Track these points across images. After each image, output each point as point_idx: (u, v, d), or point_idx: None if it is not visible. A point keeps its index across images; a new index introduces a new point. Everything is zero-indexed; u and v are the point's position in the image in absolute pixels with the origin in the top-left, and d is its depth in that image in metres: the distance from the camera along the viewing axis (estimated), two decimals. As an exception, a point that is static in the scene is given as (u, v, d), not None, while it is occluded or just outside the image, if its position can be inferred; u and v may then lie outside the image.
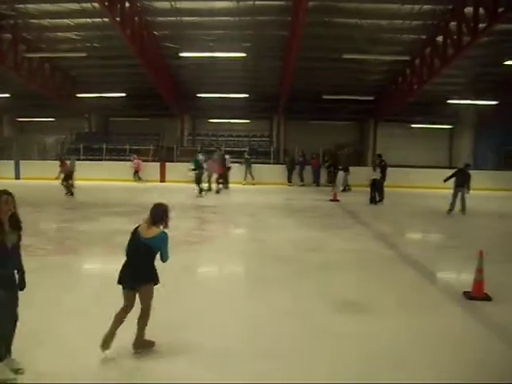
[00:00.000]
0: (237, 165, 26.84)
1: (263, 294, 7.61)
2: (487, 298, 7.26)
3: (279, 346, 5.66)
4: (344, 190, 24.36)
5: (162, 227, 5.29)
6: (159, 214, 5.30)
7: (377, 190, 19.97)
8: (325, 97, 29.53)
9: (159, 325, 5.61)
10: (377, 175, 19.97)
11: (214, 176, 23.25)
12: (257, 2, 19.55)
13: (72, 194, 20.18)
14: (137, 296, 5.21)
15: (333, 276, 8.75)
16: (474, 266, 7.51)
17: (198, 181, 20.87)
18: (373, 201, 19.80)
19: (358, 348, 5.61)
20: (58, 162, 21.48)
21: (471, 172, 17.28)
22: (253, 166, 27.19)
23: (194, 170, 20.81)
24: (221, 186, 23.21)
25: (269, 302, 7.19)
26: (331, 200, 20.40)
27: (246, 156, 27.58)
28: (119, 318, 5.16)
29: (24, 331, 4.83)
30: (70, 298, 7.07)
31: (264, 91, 30.88)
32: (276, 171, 27.54)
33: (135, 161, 27.17)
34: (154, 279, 5.27)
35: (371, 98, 30.60)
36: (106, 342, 5.08)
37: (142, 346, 5.30)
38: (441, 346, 5.70)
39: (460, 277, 9.37)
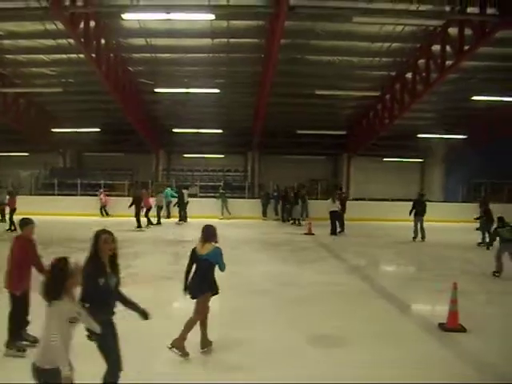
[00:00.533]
0: (214, 200, 26.94)
1: (238, 327, 7.65)
2: (462, 330, 7.39)
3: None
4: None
5: (213, 243, 6.46)
6: (210, 232, 6.40)
7: (338, 220, 20.80)
8: (299, 132, 30.00)
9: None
10: (335, 207, 20.79)
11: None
12: (231, 40, 19.87)
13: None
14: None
15: (308, 309, 8.83)
16: (446, 297, 7.67)
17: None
18: (334, 232, 20.50)
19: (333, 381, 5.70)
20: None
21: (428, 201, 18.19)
22: (228, 200, 27.21)
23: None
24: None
25: (244, 335, 7.24)
26: (306, 233, 20.52)
27: (221, 191, 27.61)
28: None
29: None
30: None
31: (238, 126, 31.23)
32: (251, 206, 27.62)
33: (102, 196, 27.00)
34: (213, 289, 6.50)
35: (344, 133, 31.14)
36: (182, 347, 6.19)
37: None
38: (418, 378, 5.80)
39: (434, 308, 9.52)
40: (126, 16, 15.93)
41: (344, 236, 20.18)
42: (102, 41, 19.28)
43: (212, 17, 16.03)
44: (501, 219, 13.17)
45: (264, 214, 27.33)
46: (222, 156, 34.83)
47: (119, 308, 5.11)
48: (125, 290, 9.94)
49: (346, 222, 21.61)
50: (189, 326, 6.38)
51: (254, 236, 20.16)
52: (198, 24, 18.50)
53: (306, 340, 7.12)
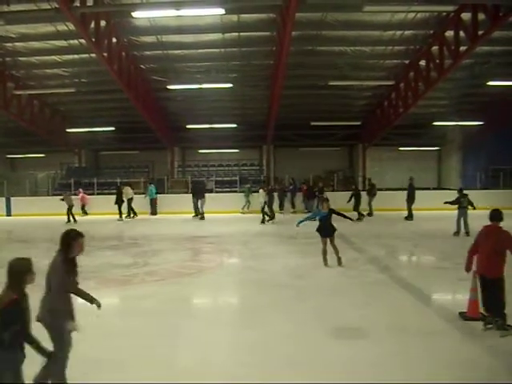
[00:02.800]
0: (229, 194, 26.94)
1: (259, 321, 7.63)
2: (483, 319, 7.26)
3: (276, 370, 5.73)
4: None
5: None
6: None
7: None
8: (313, 123, 29.85)
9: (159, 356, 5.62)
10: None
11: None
12: (242, 34, 19.81)
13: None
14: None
15: (327, 301, 8.79)
16: (467, 286, 7.57)
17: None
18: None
19: (352, 374, 5.65)
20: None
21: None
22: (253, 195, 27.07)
23: None
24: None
25: (265, 329, 7.22)
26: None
27: (247, 185, 27.64)
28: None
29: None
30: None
31: (252, 120, 31.21)
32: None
33: (81, 195, 26.74)
34: None
35: (358, 123, 30.96)
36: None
37: None
38: (441, 368, 5.73)
39: (455, 297, 9.43)
40: (136, 14, 15.89)
41: (362, 226, 20.03)
42: (114, 40, 19.30)
43: (222, 11, 15.92)
44: (461, 190, 17.33)
45: (281, 207, 27.23)
46: (237, 150, 34.87)
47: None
48: (144, 288, 10.14)
49: (363, 213, 21.63)
50: None
51: (271, 230, 20.12)
52: (209, 19, 18.45)
53: (327, 332, 7.09)
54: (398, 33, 19.84)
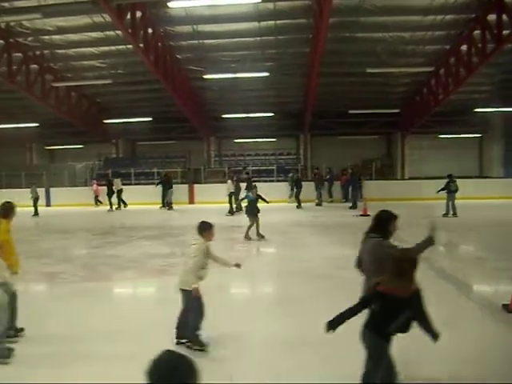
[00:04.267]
0: (266, 184, 26.75)
1: (299, 312, 7.49)
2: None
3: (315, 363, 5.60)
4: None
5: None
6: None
7: None
8: (350, 111, 29.41)
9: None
10: None
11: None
12: (278, 22, 19.58)
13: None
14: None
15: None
16: (509, 278, 7.28)
17: None
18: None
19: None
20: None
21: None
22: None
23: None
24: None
25: (306, 320, 7.07)
26: (361, 215, 20.16)
27: (290, 174, 27.63)
28: None
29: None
30: (104, 323, 7.07)
31: (289, 109, 30.99)
32: (304, 188, 27.29)
33: (94, 186, 27.45)
34: None
35: (397, 111, 30.39)
36: None
37: None
38: (485, 363, 5.52)
39: (498, 289, 9.11)
40: (171, 4, 15.80)
41: (402, 217, 19.66)
42: (150, 30, 19.30)
43: (258, 0, 15.75)
44: (450, 176, 19.81)
45: (318, 196, 27.08)
46: (274, 139, 34.58)
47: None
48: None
49: (403, 203, 21.25)
50: None
51: (309, 219, 19.96)
52: (244, 8, 18.26)
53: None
54: (439, 17, 19.29)
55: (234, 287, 9.93)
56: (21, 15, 16.27)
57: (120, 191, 26.33)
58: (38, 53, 22.49)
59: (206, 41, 21.38)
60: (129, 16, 16.99)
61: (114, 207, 25.95)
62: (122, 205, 26.48)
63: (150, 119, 30.83)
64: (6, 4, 16.84)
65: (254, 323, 7.07)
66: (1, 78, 21.62)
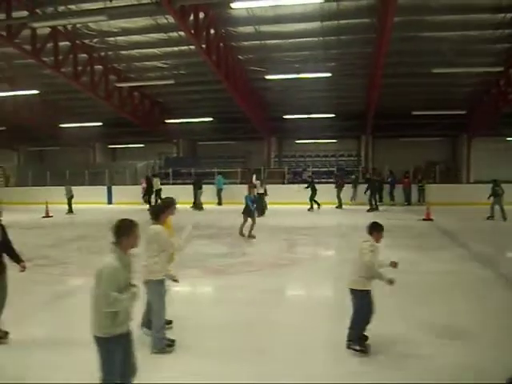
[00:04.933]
0: (326, 186, 26.44)
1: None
2: None
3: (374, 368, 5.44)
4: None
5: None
6: None
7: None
8: (414, 113, 28.69)
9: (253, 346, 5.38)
10: None
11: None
12: (341, 22, 19.21)
13: None
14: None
15: (428, 299, 8.28)
16: None
17: None
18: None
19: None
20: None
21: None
22: (358, 186, 26.85)
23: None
24: None
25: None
26: (424, 219, 19.64)
27: (353, 177, 27.52)
28: None
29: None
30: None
31: (351, 110, 30.49)
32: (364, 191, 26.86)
33: (143, 184, 27.49)
34: None
35: (463, 112, 29.40)
36: None
37: None
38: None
39: None
40: (234, 5, 15.68)
41: (467, 222, 19.07)
42: (212, 31, 19.29)
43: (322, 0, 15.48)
44: (495, 181, 20.10)
45: (379, 199, 26.63)
46: (335, 141, 34.16)
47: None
48: (240, 277, 10.04)
49: (466, 207, 20.63)
50: None
51: (368, 222, 19.52)
52: (307, 8, 17.95)
53: (431, 332, 6.63)
54: (509, 15, 18.50)
55: (292, 289, 9.90)
56: (87, 17, 16.47)
57: (159, 190, 26.46)
58: (102, 54, 22.89)
59: (268, 41, 21.19)
60: (191, 17, 17.02)
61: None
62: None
63: (211, 119, 30.92)
64: (73, 6, 17.24)
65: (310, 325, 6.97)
66: (67, 78, 22.14)
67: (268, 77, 23.39)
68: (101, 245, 14.18)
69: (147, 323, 6.33)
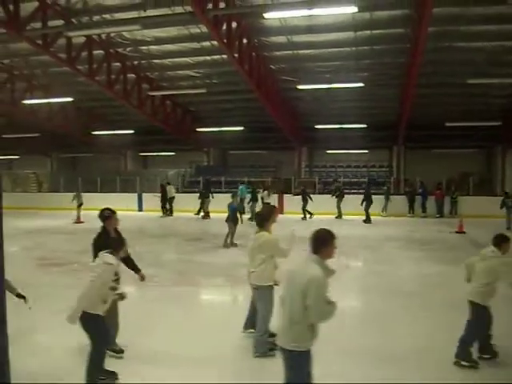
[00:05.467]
0: (356, 196, 26.22)
1: (382, 330, 7.18)
2: None
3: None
4: None
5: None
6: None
7: None
8: (447, 124, 28.31)
9: None
10: None
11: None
12: (374, 31, 19.07)
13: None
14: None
15: (459, 315, 8.08)
16: None
17: None
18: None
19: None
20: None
21: None
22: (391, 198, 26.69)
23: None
24: None
25: (389, 338, 6.87)
26: (457, 232, 19.35)
27: (385, 188, 27.41)
28: None
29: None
30: (191, 326, 7.10)
31: (383, 120, 30.25)
32: (396, 202, 26.55)
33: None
34: None
35: (498, 123, 28.88)
36: None
37: None
38: None
39: None
40: (267, 15, 15.69)
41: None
42: (244, 40, 19.30)
43: (355, 9, 15.35)
44: (506, 193, 21.58)
45: (410, 210, 26.37)
46: (366, 151, 33.91)
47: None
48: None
49: (500, 220, 20.32)
50: None
51: (399, 233, 19.34)
52: (340, 17, 17.83)
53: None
54: (546, 26, 18.16)
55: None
56: (121, 27, 16.67)
57: (172, 198, 26.98)
58: (135, 62, 23.09)
59: (300, 51, 21.12)
60: (224, 26, 17.04)
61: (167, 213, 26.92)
62: (169, 212, 27.25)
63: (242, 128, 30.97)
64: (107, 16, 17.42)
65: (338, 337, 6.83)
66: (100, 86, 22.38)
67: (300, 87, 23.35)
68: (132, 252, 14.37)
69: (250, 325, 6.67)
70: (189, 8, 15.23)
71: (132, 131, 32.09)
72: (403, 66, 21.58)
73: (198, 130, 32.15)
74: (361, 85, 22.63)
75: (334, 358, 6.14)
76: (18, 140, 34.78)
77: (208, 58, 21.77)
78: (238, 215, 16.43)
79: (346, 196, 25.88)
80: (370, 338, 6.92)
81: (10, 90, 24.68)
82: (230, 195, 17.07)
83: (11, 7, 15.64)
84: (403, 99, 24.64)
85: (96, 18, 17.70)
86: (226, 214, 16.04)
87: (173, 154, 36.41)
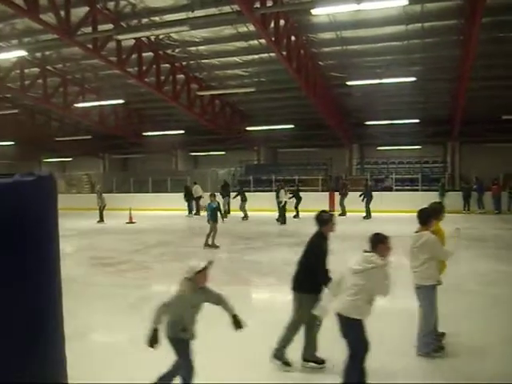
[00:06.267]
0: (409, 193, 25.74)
1: (445, 329, 6.88)
2: None
3: None
4: None
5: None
6: None
7: None
8: (504, 117, 27.42)
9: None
10: None
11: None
12: (425, 24, 18.57)
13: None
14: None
15: None
16: None
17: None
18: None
19: None
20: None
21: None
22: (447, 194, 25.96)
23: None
24: None
25: (454, 339, 6.60)
26: (515, 229, 18.77)
27: (440, 184, 26.77)
28: None
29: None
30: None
31: (436, 115, 29.60)
32: (451, 199, 25.85)
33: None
34: None
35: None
36: None
37: None
38: None
39: None
40: (315, 11, 15.46)
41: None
42: (292, 38, 19.11)
43: (405, 2, 14.97)
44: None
45: (466, 206, 25.70)
46: (419, 147, 33.16)
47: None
48: None
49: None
50: None
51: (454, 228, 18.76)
52: (390, 11, 17.42)
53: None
54: None
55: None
56: (169, 28, 16.72)
57: (199, 198, 26.98)
58: (184, 63, 23.20)
59: (349, 47, 20.77)
60: (272, 24, 16.89)
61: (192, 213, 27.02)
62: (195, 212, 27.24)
63: (292, 126, 30.81)
64: (156, 18, 17.50)
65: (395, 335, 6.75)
66: (150, 88, 22.58)
67: (349, 83, 23.02)
68: (183, 251, 14.90)
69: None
70: (236, 7, 15.18)
71: (182, 131, 32.31)
72: (456, 59, 20.96)
73: (247, 128, 32.13)
74: (412, 79, 22.14)
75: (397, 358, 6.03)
76: (71, 142, 35.63)
77: (256, 56, 21.69)
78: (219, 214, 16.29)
79: (396, 193, 25.41)
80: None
81: (62, 94, 25.16)
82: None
83: (62, 13, 15.89)
84: (457, 93, 23.97)
85: (144, 20, 17.81)
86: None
87: (223, 153, 36.56)
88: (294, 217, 24.39)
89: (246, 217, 24.56)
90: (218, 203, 16.25)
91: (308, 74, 21.77)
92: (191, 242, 17.01)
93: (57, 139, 35.08)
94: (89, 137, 34.74)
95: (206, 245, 15.35)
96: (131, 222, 23.24)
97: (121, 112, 30.86)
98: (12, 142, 36.59)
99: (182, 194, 28.04)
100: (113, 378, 5.44)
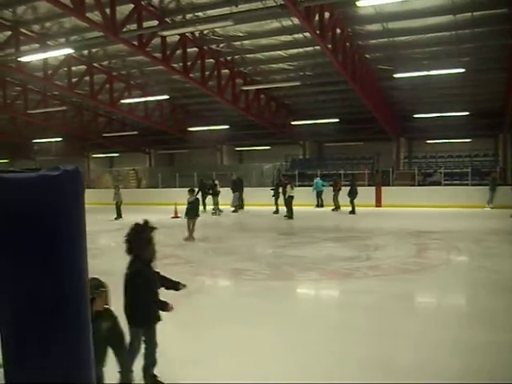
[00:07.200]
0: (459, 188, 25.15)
1: (492, 327, 6.73)
2: None
3: None
4: None
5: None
6: None
7: None
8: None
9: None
10: None
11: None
12: (475, 13, 18.03)
13: None
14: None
15: None
16: None
17: None
18: None
19: None
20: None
21: None
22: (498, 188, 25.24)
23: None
24: None
25: (500, 336, 6.32)
26: None
27: (491, 177, 26.00)
28: None
29: None
30: (290, 322, 6.98)
31: (487, 107, 28.83)
32: (503, 193, 25.10)
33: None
34: None
35: None
36: None
37: None
38: None
39: None
40: (360, 3, 15.18)
41: None
42: (338, 31, 18.83)
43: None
44: None
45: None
46: (468, 140, 32.25)
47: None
48: (366, 282, 9.70)
49: None
50: None
51: (505, 226, 18.27)
52: (438, 1, 17.07)
53: None
54: None
55: (422, 296, 9.41)
56: (213, 23, 16.74)
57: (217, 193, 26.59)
58: (229, 58, 23.21)
59: (396, 38, 20.35)
60: (317, 17, 16.67)
61: (217, 211, 25.98)
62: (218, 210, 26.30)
63: (337, 120, 30.46)
64: (200, 14, 17.52)
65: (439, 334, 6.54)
66: (195, 83, 22.66)
67: (396, 75, 22.60)
68: (227, 246, 14.94)
69: None
70: (280, 1, 15.05)
71: (227, 126, 32.41)
72: (508, 49, 20.36)
73: (292, 123, 31.98)
74: (462, 70, 21.56)
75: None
76: (117, 138, 36.21)
77: (301, 50, 21.53)
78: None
79: (448, 188, 24.85)
80: (471, 334, 6.53)
81: (109, 90, 25.51)
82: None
83: (108, 11, 16.08)
84: (509, 83, 23.29)
85: (189, 16, 17.86)
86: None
87: (268, 148, 36.44)
88: (350, 212, 24.13)
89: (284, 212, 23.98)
90: (197, 199, 16.90)
91: (354, 67, 21.43)
92: (236, 236, 17.15)
93: (104, 135, 35.76)
94: (135, 132, 35.24)
95: (187, 239, 15.92)
96: (176, 217, 23.34)
97: (166, 107, 31.20)
98: (60, 138, 37.40)
99: (228, 189, 27.93)
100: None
